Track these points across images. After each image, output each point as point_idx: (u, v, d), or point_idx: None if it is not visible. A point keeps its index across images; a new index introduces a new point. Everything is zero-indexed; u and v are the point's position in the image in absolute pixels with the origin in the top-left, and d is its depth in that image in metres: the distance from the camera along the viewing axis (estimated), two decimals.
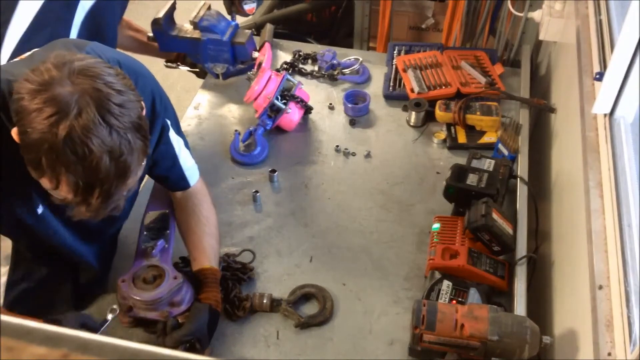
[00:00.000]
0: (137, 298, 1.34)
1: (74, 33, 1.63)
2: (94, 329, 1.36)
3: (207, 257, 1.46)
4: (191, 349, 1.35)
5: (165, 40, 2.15)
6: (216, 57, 2.16)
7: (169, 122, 1.37)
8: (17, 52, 1.43)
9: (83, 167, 1.00)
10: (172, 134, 1.39)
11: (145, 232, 1.48)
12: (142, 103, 1.11)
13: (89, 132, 0.98)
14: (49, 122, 0.97)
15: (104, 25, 1.74)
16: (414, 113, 2.03)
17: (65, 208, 1.12)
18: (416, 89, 2.09)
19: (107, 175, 1.02)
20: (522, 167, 1.79)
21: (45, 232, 1.30)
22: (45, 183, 1.05)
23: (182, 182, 1.48)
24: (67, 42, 1.29)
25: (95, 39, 1.36)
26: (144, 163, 1.10)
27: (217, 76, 2.23)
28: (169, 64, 2.22)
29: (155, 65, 2.35)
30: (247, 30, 2.18)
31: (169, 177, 1.47)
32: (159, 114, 1.33)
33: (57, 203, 1.11)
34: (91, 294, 1.54)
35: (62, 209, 1.19)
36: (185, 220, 1.51)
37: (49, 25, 1.54)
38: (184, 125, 2.07)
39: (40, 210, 1.25)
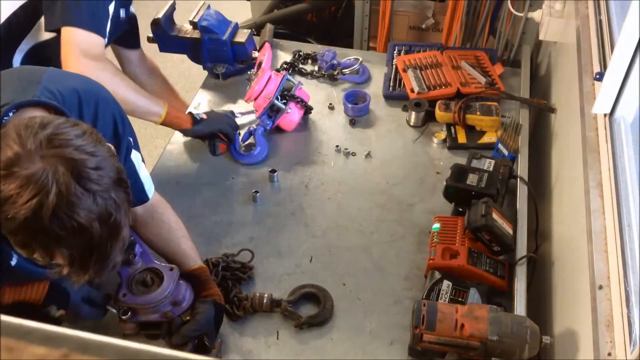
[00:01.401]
0: (145, 302, 1.33)
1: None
2: (99, 305, 1.36)
3: (193, 259, 1.46)
4: (200, 344, 1.35)
5: (165, 40, 2.15)
6: (216, 57, 2.17)
7: (131, 141, 1.35)
8: None
9: (75, 239, 0.97)
10: (133, 152, 1.37)
11: None
12: (113, 149, 1.08)
13: (73, 206, 0.95)
14: (31, 205, 0.92)
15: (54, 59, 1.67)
16: (414, 113, 2.03)
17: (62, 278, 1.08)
18: (416, 89, 2.09)
19: (100, 240, 0.99)
20: (522, 167, 1.79)
21: (20, 280, 1.27)
22: (39, 258, 1.01)
23: (141, 196, 1.44)
24: (20, 73, 1.25)
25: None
26: (130, 211, 1.08)
27: (217, 76, 2.23)
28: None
29: (159, 63, 2.35)
30: (246, 30, 2.19)
31: None
32: (121, 136, 1.31)
33: (55, 278, 1.07)
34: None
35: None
36: (155, 232, 1.48)
37: None
38: None
39: (14, 262, 1.21)
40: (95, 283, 1.38)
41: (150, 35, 2.15)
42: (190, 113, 1.90)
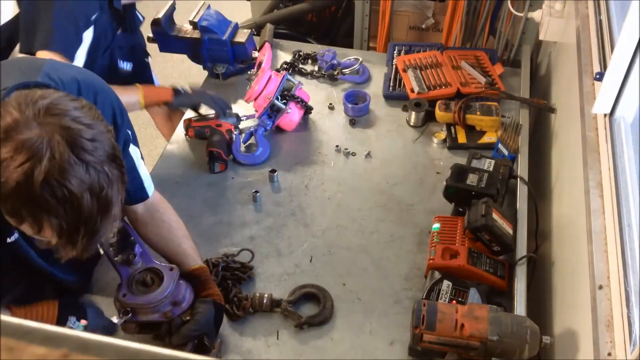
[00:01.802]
0: (145, 302, 1.33)
1: None
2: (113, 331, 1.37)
3: (193, 258, 1.45)
4: (200, 344, 1.35)
5: (165, 40, 2.15)
6: (216, 57, 2.17)
7: (129, 134, 1.35)
8: None
9: (65, 209, 0.97)
10: (131, 146, 1.36)
11: (111, 248, 1.43)
12: (112, 129, 1.08)
13: (65, 173, 0.95)
14: (23, 169, 0.93)
15: None
16: (414, 113, 2.03)
17: (52, 251, 1.08)
18: (416, 89, 2.09)
19: (90, 212, 0.99)
20: (522, 167, 1.79)
21: (19, 258, 1.27)
22: (27, 229, 1.01)
23: (141, 193, 1.44)
24: (22, 62, 1.24)
25: None
26: (123, 192, 1.07)
27: (217, 76, 2.23)
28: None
29: (159, 63, 2.35)
30: (246, 30, 2.19)
31: (129, 191, 1.38)
32: (120, 127, 1.31)
33: (42, 247, 1.07)
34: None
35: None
36: (155, 232, 1.47)
37: None
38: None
39: (13, 237, 1.21)
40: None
41: (151, 35, 2.15)
42: (171, 86, 1.94)
